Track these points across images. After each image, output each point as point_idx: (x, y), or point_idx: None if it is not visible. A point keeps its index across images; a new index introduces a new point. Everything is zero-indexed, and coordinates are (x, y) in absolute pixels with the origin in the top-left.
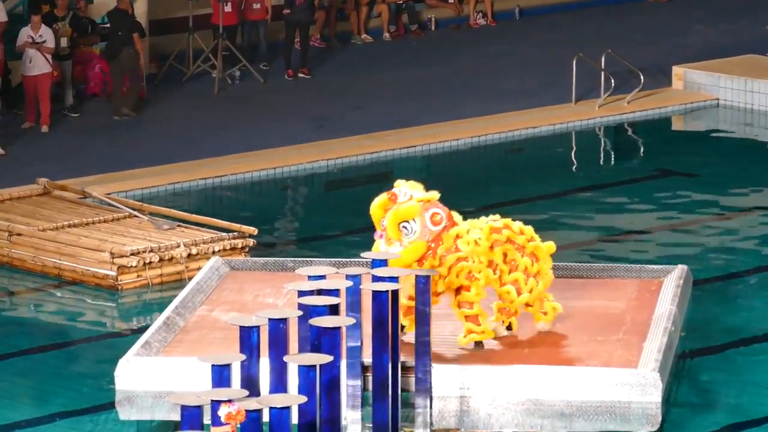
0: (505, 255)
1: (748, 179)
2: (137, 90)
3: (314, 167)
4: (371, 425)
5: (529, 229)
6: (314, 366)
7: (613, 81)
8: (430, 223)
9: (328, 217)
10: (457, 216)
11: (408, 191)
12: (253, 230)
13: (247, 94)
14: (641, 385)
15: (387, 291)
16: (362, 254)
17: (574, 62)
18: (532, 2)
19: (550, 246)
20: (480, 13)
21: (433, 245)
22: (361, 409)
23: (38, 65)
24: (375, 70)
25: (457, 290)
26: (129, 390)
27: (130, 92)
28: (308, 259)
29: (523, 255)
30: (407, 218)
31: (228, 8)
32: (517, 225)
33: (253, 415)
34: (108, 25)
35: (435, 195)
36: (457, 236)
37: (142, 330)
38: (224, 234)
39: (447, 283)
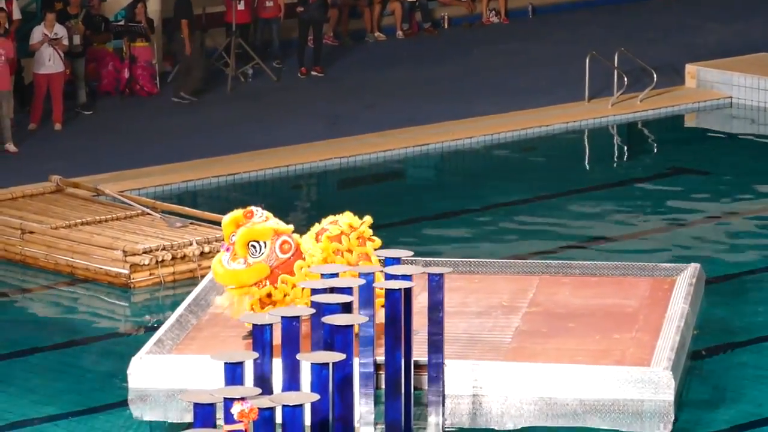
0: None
1: (761, 177)
2: (184, 74)
3: (327, 165)
4: (384, 423)
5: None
6: (327, 364)
7: (626, 79)
8: (279, 249)
9: None
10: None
11: (265, 213)
12: None
13: (260, 92)
14: (654, 384)
15: (400, 289)
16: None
17: (587, 60)
18: (546, 0)
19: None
20: (493, 11)
21: (278, 271)
22: (374, 408)
23: (55, 63)
24: (388, 69)
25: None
26: (142, 388)
27: (178, 76)
28: None
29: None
30: (258, 239)
31: (241, 6)
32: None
33: (266, 413)
34: (121, 22)
35: (290, 228)
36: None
37: (154, 328)
38: None
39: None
